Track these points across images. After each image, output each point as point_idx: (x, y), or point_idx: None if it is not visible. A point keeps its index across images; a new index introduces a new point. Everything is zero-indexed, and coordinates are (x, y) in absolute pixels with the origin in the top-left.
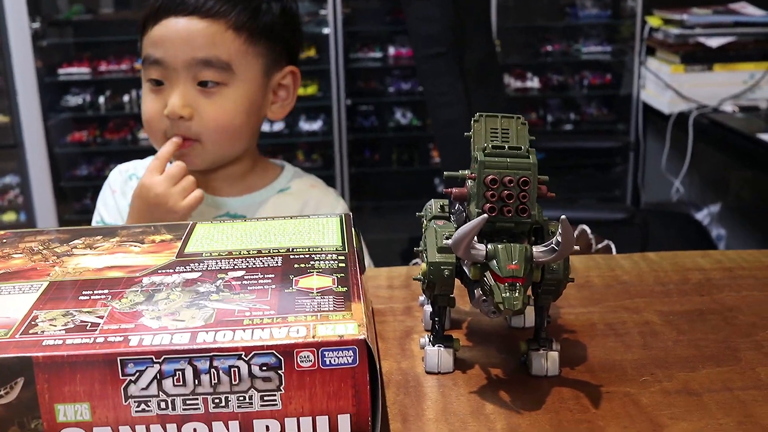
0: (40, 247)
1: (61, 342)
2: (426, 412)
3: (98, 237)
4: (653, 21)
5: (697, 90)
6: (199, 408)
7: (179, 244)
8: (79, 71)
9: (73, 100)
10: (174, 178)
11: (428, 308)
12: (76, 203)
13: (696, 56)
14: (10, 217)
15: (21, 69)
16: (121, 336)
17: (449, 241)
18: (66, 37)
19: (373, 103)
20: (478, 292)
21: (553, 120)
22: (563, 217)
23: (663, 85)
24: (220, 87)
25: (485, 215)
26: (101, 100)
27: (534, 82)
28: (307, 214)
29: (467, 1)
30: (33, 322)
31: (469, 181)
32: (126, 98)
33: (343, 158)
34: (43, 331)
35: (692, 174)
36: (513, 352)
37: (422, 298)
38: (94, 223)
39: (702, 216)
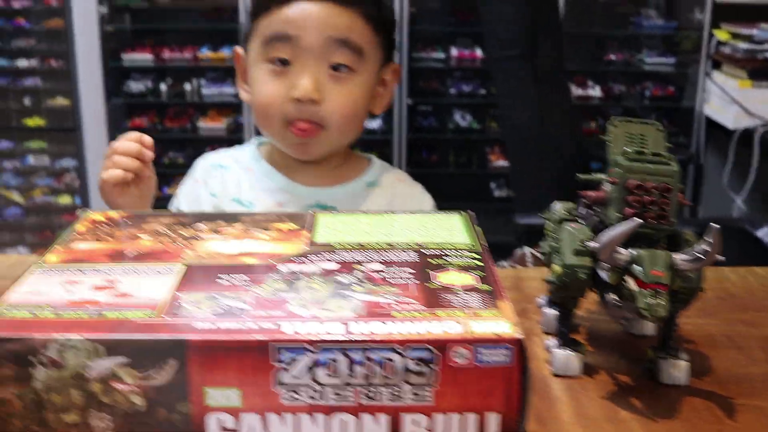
0: (166, 230)
1: (213, 326)
2: (560, 414)
3: (220, 222)
4: (721, 35)
5: (764, 107)
6: (350, 399)
7: (307, 233)
8: (142, 57)
9: (135, 86)
10: (116, 150)
11: (549, 311)
12: None
13: (764, 72)
14: (65, 200)
15: (85, 53)
16: (272, 323)
17: (595, 244)
18: (131, 23)
19: (433, 104)
20: (609, 295)
21: None
22: (715, 225)
23: (728, 100)
24: (351, 73)
25: (638, 220)
26: (163, 87)
27: (595, 91)
28: (399, 209)
29: (540, 5)
30: (178, 304)
31: (608, 184)
32: (187, 86)
33: (402, 158)
34: (190, 314)
35: (756, 191)
36: (635, 358)
37: (541, 300)
38: (188, 179)
39: (763, 233)
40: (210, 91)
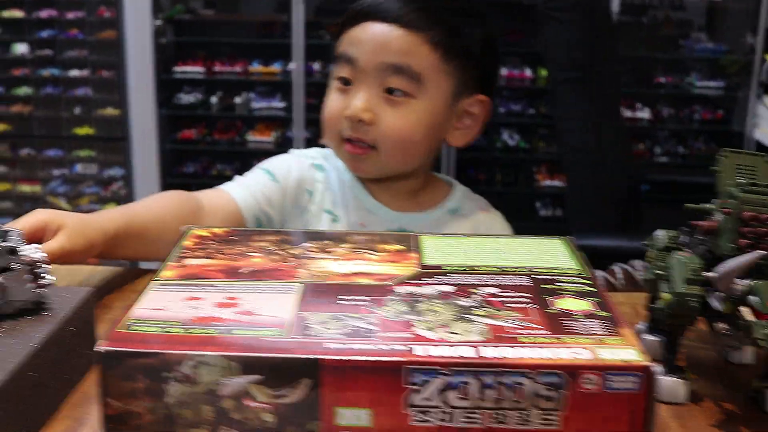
0: (274, 248)
1: (345, 347)
2: None
3: (327, 241)
4: None
5: None
6: (479, 422)
7: (415, 255)
8: (193, 70)
9: (186, 98)
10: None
11: (650, 337)
12: None
13: None
14: (111, 207)
15: (136, 64)
16: (403, 345)
17: (713, 274)
18: (184, 36)
19: None
20: (719, 324)
21: (661, 152)
22: None
23: None
24: (407, 98)
25: (762, 252)
26: (213, 99)
27: (644, 113)
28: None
29: (599, 29)
30: (305, 323)
31: (720, 215)
32: (237, 100)
33: (449, 175)
34: (319, 334)
35: None
36: (736, 386)
37: (641, 326)
38: (254, 171)
39: None
40: (259, 104)
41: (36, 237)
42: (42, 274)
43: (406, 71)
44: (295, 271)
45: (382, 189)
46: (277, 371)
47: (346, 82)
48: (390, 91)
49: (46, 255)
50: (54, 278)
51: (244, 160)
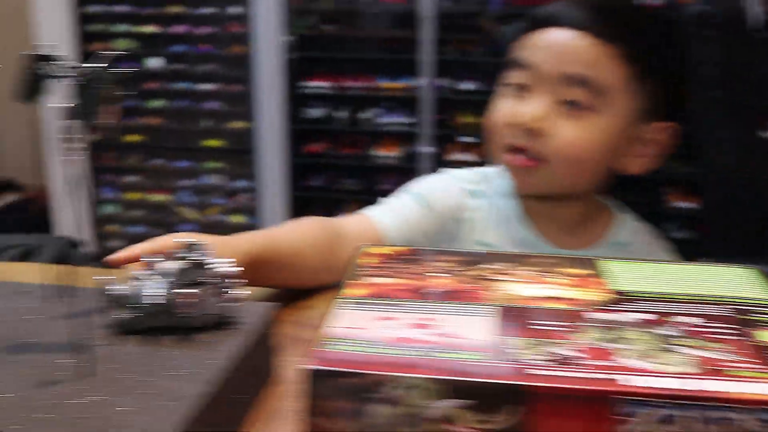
0: (454, 268)
1: (552, 374)
2: None
3: (507, 263)
4: None
5: None
6: None
7: (601, 280)
8: (321, 85)
9: (314, 112)
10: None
11: None
12: (305, 212)
13: None
14: (238, 219)
15: (266, 79)
16: (611, 374)
17: None
18: (313, 51)
19: None
20: None
21: None
22: None
23: None
24: (587, 111)
25: None
26: (340, 114)
27: None
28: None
29: (740, 47)
30: (506, 349)
31: None
32: (365, 115)
33: None
34: (522, 359)
35: None
36: None
37: None
38: (403, 195)
39: None
40: (386, 119)
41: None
42: (231, 289)
43: (590, 84)
44: (482, 293)
45: (542, 217)
46: (483, 396)
47: (518, 88)
48: (569, 103)
49: (238, 270)
50: (244, 292)
51: (370, 175)
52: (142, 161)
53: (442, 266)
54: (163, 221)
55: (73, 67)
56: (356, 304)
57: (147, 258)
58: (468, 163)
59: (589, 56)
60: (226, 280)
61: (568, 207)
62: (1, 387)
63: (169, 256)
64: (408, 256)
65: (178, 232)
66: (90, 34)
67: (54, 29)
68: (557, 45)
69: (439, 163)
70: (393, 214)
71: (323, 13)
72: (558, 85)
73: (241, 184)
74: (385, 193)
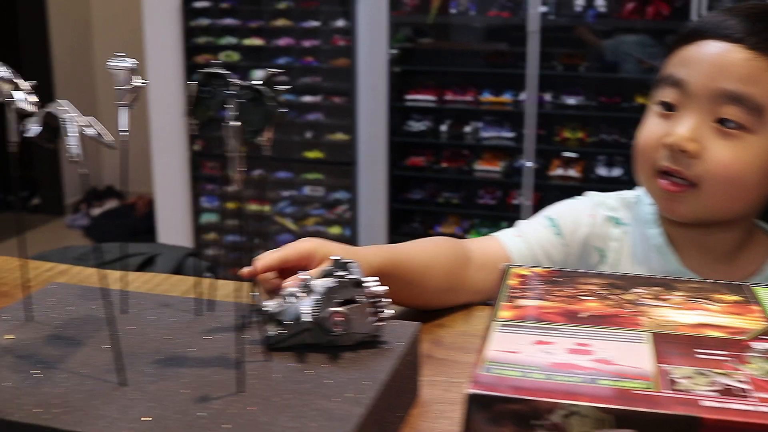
0: (604, 292)
1: (722, 405)
2: None
3: (658, 288)
4: None
5: None
6: None
7: (757, 307)
8: (424, 98)
9: (416, 125)
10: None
11: None
12: (404, 225)
13: None
14: (335, 230)
15: (368, 91)
16: None
17: None
18: (417, 65)
19: None
20: None
21: None
22: None
23: None
24: (742, 131)
25: None
26: (442, 128)
27: None
28: None
29: None
30: (671, 378)
31: None
32: (467, 129)
33: None
34: (689, 389)
35: None
36: None
37: None
38: (537, 218)
39: None
40: (488, 133)
41: (302, 265)
42: (382, 308)
43: (746, 101)
44: (636, 318)
45: (693, 247)
46: (652, 426)
47: (669, 107)
48: (722, 121)
49: (386, 289)
50: (393, 312)
51: (471, 189)
52: (243, 171)
53: (591, 289)
54: (262, 231)
55: (241, 86)
56: (512, 326)
57: (301, 275)
58: (569, 177)
59: (744, 71)
60: (378, 300)
61: (720, 235)
62: (162, 403)
63: (320, 273)
64: (555, 277)
65: (278, 241)
66: (196, 47)
67: (162, 42)
68: (709, 59)
69: (541, 177)
70: (523, 238)
71: (417, 26)
72: (711, 102)
73: (340, 195)
74: (486, 208)
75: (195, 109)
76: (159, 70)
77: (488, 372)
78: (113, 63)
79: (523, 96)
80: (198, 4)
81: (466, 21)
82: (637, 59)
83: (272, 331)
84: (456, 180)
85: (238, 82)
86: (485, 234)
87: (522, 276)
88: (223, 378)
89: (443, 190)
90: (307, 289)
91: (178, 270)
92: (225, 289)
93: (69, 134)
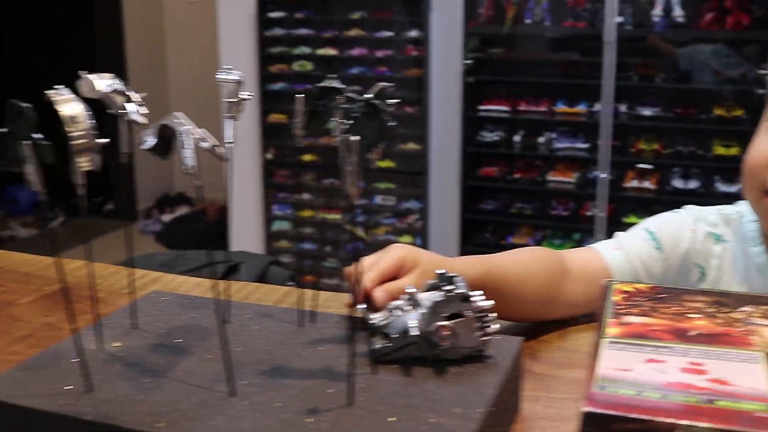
0: (711, 310)
1: None
2: None
3: (766, 307)
4: None
5: None
6: None
7: None
8: (498, 108)
9: (489, 136)
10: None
11: None
12: (476, 235)
13: None
14: (406, 239)
15: (441, 101)
16: None
17: None
18: (491, 75)
19: None
20: None
21: None
22: None
23: None
24: None
25: None
26: (516, 138)
27: None
28: None
29: None
30: None
31: None
32: (540, 139)
33: None
34: None
35: None
36: None
37: None
38: (637, 231)
39: None
40: (562, 144)
41: (394, 275)
42: (488, 323)
43: None
44: (747, 338)
45: None
46: None
47: None
48: None
49: (492, 303)
50: (498, 326)
51: (544, 200)
52: (314, 180)
53: (697, 307)
54: (333, 239)
55: (356, 100)
56: (621, 344)
57: (409, 289)
58: (644, 189)
59: None
60: (485, 314)
61: None
62: (271, 415)
63: (427, 286)
64: (659, 294)
65: (349, 250)
66: (270, 57)
67: (237, 51)
68: None
69: (616, 189)
70: (623, 251)
71: (485, 36)
72: None
73: (411, 205)
74: (559, 219)
75: (309, 123)
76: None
77: (602, 390)
78: (222, 75)
79: (597, 107)
80: (273, 15)
81: (541, 31)
82: (714, 70)
83: (378, 343)
84: (529, 191)
85: (353, 96)
86: (558, 245)
87: (625, 292)
88: (330, 390)
89: (516, 200)
90: (413, 302)
91: (261, 278)
92: (320, 299)
93: (185, 147)
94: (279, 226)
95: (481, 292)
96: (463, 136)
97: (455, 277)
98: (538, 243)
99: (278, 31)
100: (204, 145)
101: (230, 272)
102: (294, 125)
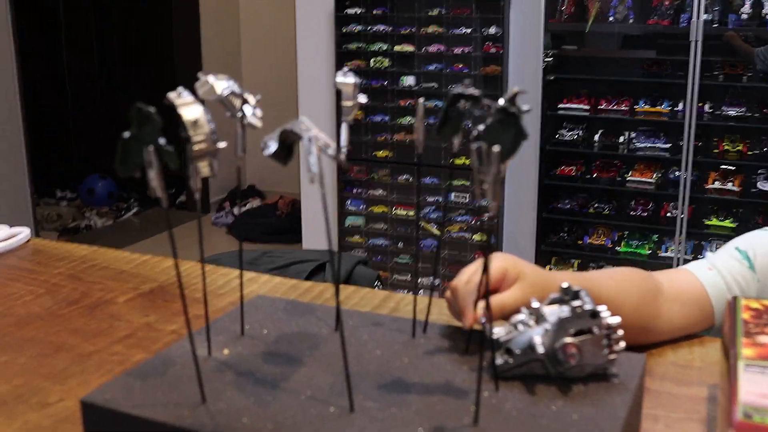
0: None
1: None
2: None
3: None
4: None
5: None
6: None
7: None
8: (577, 107)
9: (568, 134)
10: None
11: None
12: (552, 235)
13: None
14: (480, 237)
15: (521, 100)
16: None
17: None
18: (571, 73)
19: None
20: None
21: None
22: None
23: None
24: None
25: None
26: (595, 137)
27: None
28: None
29: None
30: None
31: None
32: (620, 139)
33: None
34: None
35: None
36: None
37: None
38: (728, 250)
39: None
40: (642, 144)
41: (495, 286)
42: (616, 340)
43: None
44: None
45: None
46: None
47: None
48: None
49: (620, 320)
50: (625, 344)
51: (622, 200)
52: (389, 176)
53: None
54: (406, 236)
55: (491, 107)
56: (758, 366)
57: (533, 302)
58: (727, 191)
59: None
60: (613, 331)
61: None
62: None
63: (550, 300)
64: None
65: (422, 247)
66: (347, 53)
67: (315, 47)
68: None
69: (697, 190)
70: (716, 271)
71: (556, 33)
72: None
73: (485, 202)
74: (637, 220)
75: (441, 128)
76: (310, 74)
77: (749, 419)
78: (341, 79)
79: (680, 106)
80: (351, 11)
81: (625, 29)
82: None
83: (501, 358)
84: (608, 191)
85: (488, 103)
86: (636, 246)
87: (754, 309)
88: (452, 407)
89: (594, 200)
90: (537, 316)
91: (348, 278)
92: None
93: (310, 153)
94: (352, 221)
95: (606, 307)
96: (542, 135)
97: (580, 291)
98: (615, 243)
99: (355, 28)
100: (329, 152)
101: (316, 271)
102: (417, 129)
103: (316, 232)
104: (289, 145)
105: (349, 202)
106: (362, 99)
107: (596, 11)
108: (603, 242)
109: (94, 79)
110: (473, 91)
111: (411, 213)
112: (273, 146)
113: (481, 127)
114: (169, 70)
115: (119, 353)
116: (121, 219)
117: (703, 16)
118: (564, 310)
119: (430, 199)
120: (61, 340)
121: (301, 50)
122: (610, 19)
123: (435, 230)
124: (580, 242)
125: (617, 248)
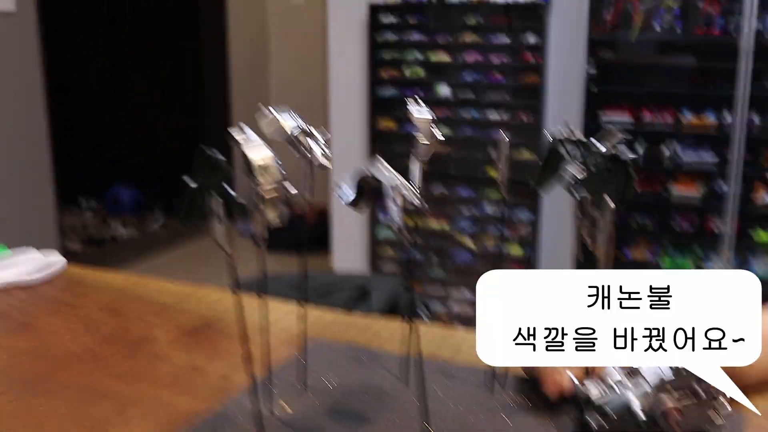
0: None
1: None
2: None
3: None
4: None
5: None
6: None
7: None
8: (620, 118)
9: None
10: None
11: None
12: (590, 249)
13: None
14: (515, 250)
15: (560, 110)
16: None
17: None
18: (612, 83)
19: None
20: None
21: None
22: None
23: None
24: None
25: None
26: (638, 149)
27: None
28: None
29: None
30: None
31: None
32: (665, 151)
33: None
34: None
35: None
36: None
37: None
38: None
39: None
40: (687, 156)
41: None
42: (722, 403)
43: None
44: None
45: None
46: None
47: None
48: None
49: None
50: (730, 409)
51: (665, 213)
52: (423, 188)
53: None
54: (440, 248)
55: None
56: None
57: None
58: None
59: None
60: (718, 395)
61: None
62: None
63: None
64: None
65: (456, 259)
66: (381, 61)
67: (348, 55)
68: None
69: (744, 204)
70: None
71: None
72: None
73: (522, 215)
74: (681, 234)
75: (541, 176)
76: (343, 83)
77: None
78: (417, 114)
79: (727, 117)
80: (385, 19)
81: (671, 38)
82: None
83: (595, 421)
84: (650, 203)
85: (595, 149)
86: (679, 261)
87: None
88: None
89: (637, 213)
90: (633, 375)
91: (394, 306)
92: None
93: (393, 204)
94: (384, 233)
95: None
96: None
97: None
98: (658, 257)
99: (390, 36)
100: (407, 196)
101: (362, 297)
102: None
103: (348, 248)
104: (367, 193)
105: (381, 213)
106: (440, 136)
107: (641, 20)
108: (645, 255)
109: (119, 86)
110: (580, 137)
111: (445, 226)
112: (350, 194)
113: (584, 174)
114: (198, 80)
115: (165, 401)
116: (147, 230)
117: (756, 25)
118: (666, 371)
119: (465, 211)
120: (102, 385)
121: (333, 59)
122: (657, 29)
123: (469, 243)
124: (622, 257)
125: (660, 262)
